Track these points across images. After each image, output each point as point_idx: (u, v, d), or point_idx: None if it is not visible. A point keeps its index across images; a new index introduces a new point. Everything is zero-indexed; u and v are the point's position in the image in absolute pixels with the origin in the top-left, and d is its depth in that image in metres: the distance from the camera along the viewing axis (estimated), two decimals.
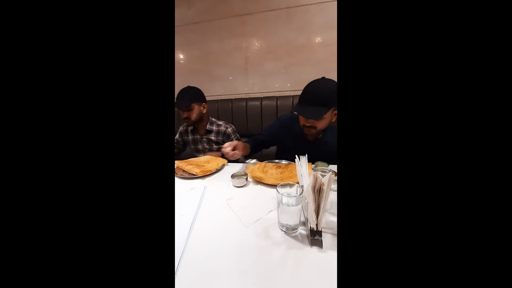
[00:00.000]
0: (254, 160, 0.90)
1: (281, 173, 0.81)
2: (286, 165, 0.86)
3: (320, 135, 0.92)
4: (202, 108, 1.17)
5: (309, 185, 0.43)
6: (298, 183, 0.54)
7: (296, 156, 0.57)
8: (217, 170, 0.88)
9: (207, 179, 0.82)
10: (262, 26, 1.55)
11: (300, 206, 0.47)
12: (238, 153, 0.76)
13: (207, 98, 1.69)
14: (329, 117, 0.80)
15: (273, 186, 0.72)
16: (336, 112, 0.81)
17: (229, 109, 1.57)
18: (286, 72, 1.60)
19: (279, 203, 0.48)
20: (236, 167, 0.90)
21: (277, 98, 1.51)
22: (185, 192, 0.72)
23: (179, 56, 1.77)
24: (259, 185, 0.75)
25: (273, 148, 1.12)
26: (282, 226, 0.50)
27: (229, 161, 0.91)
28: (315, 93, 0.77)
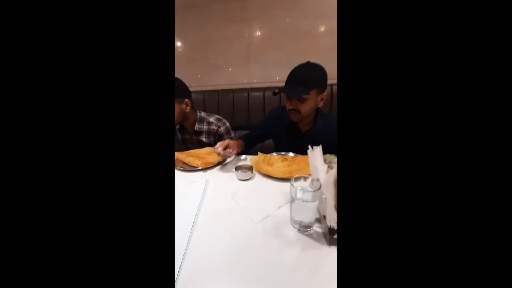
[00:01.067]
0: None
1: (288, 165, 0.76)
2: (293, 157, 0.81)
3: (312, 125, 0.88)
4: (185, 105, 0.95)
5: (329, 178, 0.38)
6: (310, 175, 0.49)
7: (310, 146, 0.52)
8: (220, 162, 0.82)
9: (209, 171, 0.77)
10: (266, 11, 1.46)
11: (317, 202, 0.42)
12: (231, 152, 0.73)
13: (207, 88, 1.63)
14: (312, 101, 0.79)
15: (281, 179, 0.67)
16: (322, 97, 0.81)
17: (230, 100, 1.50)
18: (289, 62, 1.52)
19: (293, 198, 0.43)
20: (240, 159, 0.85)
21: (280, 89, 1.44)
22: (186, 185, 0.67)
23: (176, 43, 1.68)
24: (265, 178, 0.70)
25: (270, 142, 1.07)
26: (295, 223, 0.45)
27: None
28: (298, 75, 0.78)
